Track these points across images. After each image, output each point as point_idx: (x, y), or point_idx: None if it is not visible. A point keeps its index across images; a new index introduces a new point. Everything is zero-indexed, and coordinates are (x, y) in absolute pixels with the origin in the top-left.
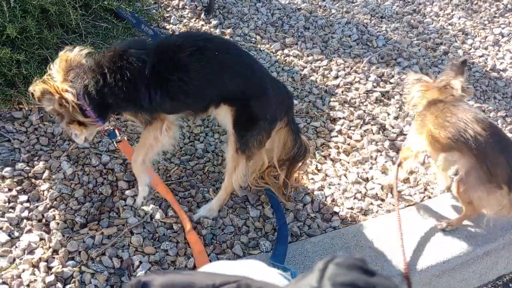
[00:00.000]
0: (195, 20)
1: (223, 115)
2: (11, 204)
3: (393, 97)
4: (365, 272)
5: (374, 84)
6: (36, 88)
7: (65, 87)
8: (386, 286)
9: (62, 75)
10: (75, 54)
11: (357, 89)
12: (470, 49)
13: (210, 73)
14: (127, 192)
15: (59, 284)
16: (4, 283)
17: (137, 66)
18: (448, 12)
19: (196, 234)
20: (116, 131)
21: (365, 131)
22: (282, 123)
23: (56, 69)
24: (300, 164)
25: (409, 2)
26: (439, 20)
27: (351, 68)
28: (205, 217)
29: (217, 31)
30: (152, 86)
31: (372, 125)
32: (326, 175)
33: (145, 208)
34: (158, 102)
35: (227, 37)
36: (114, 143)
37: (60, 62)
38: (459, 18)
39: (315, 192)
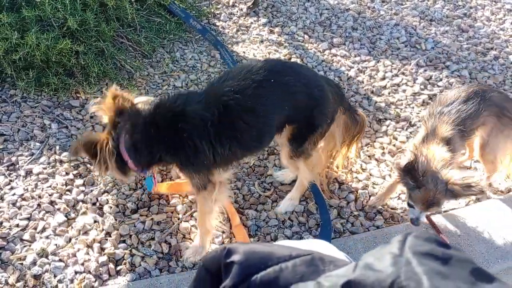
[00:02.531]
0: (244, 18)
1: (283, 133)
2: (68, 187)
3: None
4: (441, 244)
5: (422, 86)
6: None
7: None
8: (462, 258)
9: (110, 119)
10: (126, 96)
11: (404, 91)
12: None
13: (275, 103)
14: (176, 180)
15: (111, 265)
16: (60, 260)
17: (199, 124)
18: (500, 17)
19: (243, 228)
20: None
21: (411, 133)
22: (340, 112)
23: (105, 107)
24: (358, 135)
25: (459, 5)
26: (491, 24)
27: (399, 70)
28: (287, 211)
29: (266, 29)
30: (219, 140)
31: (418, 127)
32: (371, 174)
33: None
34: (228, 155)
35: (275, 35)
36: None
37: (109, 99)
38: None
39: (359, 191)
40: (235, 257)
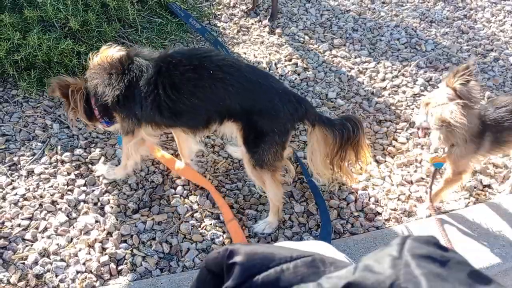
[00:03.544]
0: (245, 19)
1: (230, 132)
2: (69, 187)
3: None
4: (440, 247)
5: (422, 88)
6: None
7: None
8: (460, 261)
9: (89, 71)
10: (108, 53)
11: (404, 92)
12: None
13: (202, 92)
14: (177, 181)
15: (112, 265)
16: (62, 260)
17: (136, 75)
18: (500, 18)
19: (237, 223)
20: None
21: (410, 134)
22: (308, 127)
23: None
24: (358, 139)
25: (460, 7)
26: (491, 26)
27: (399, 71)
28: (264, 232)
29: (266, 30)
30: (144, 97)
31: (418, 128)
32: (370, 175)
33: (193, 198)
34: (149, 114)
35: (276, 36)
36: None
37: (99, 57)
38: None
39: (359, 192)
40: (237, 258)
